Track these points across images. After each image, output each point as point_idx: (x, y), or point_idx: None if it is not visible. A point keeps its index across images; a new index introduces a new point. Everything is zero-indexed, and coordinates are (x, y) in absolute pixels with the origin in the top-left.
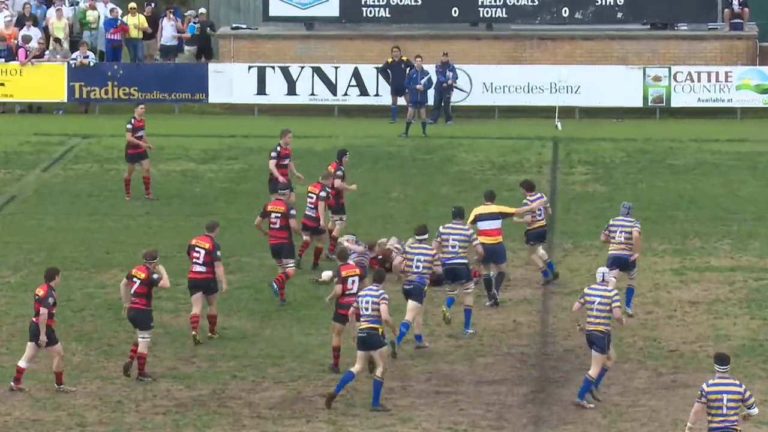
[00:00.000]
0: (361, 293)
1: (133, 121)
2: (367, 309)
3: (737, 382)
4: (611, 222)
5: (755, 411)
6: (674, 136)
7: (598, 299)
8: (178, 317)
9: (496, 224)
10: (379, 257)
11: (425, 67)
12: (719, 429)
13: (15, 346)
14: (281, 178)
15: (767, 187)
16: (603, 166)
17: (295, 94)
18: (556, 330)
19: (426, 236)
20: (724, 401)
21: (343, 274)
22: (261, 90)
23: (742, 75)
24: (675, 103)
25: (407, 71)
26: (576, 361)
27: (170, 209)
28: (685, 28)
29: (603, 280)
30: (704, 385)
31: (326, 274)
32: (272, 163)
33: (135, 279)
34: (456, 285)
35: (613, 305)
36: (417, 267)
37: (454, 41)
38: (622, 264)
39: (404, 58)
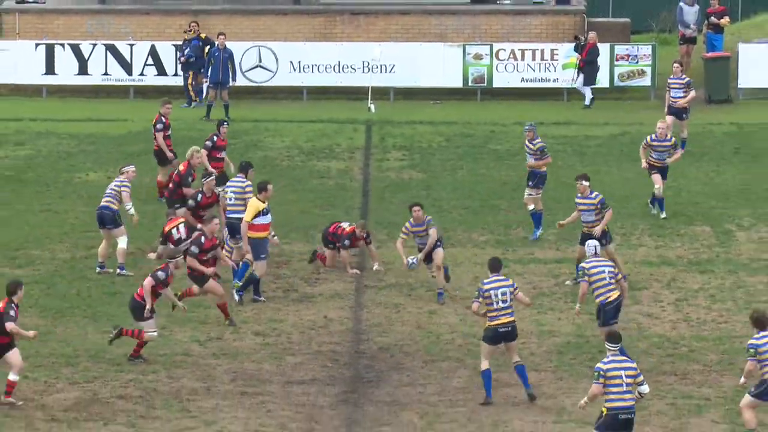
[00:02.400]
0: (488, 284)
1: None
2: (505, 301)
3: (631, 359)
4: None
5: (646, 388)
6: (496, 119)
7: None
8: None
9: (268, 218)
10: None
11: (228, 45)
12: (623, 408)
13: None
14: (170, 154)
15: (595, 174)
16: (419, 151)
17: (87, 74)
18: (370, 326)
19: None
20: (623, 378)
21: None
22: (49, 69)
23: (568, 53)
24: (497, 83)
25: (206, 49)
26: (391, 360)
27: None
28: (509, 2)
29: (595, 253)
30: (600, 365)
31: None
32: (159, 136)
33: None
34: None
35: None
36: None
37: (258, 17)
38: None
39: (202, 35)
